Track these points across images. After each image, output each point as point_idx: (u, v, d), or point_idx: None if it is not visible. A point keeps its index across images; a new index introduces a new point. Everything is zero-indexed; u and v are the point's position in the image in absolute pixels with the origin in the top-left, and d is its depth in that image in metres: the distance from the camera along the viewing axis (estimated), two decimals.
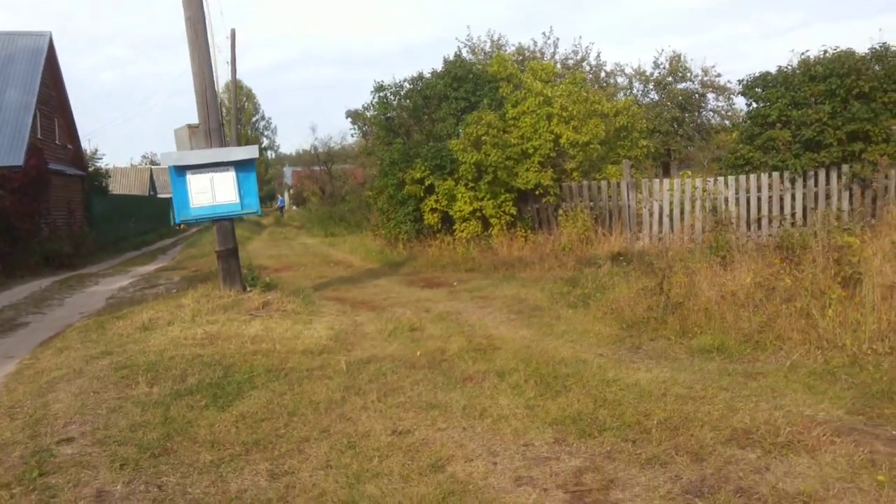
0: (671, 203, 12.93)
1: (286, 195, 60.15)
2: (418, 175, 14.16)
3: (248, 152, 9.34)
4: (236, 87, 35.58)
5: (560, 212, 13.48)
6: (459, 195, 13.71)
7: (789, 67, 12.51)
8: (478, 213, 13.78)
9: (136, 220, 36.87)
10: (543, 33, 35.31)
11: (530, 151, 13.64)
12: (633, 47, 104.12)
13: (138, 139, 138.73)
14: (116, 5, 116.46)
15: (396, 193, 14.68)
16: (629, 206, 13.26)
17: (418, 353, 6.55)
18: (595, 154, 13.95)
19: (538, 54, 31.92)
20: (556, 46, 32.17)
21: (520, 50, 31.08)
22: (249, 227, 32.96)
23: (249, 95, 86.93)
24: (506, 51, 31.90)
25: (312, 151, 39.87)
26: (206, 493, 3.78)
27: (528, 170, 13.49)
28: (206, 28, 9.50)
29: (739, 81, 12.77)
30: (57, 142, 25.87)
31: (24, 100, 22.02)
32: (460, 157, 13.23)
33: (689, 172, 14.25)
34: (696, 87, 33.72)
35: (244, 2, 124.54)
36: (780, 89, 12.39)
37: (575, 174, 14.00)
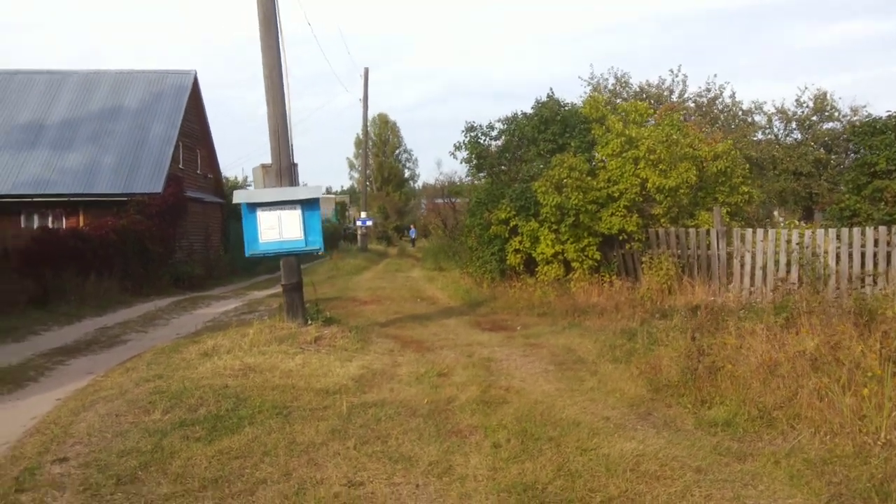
0: (765, 255, 12.08)
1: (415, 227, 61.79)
2: (503, 215, 14.16)
3: (312, 192, 9.81)
4: (366, 121, 37.24)
5: (644, 259, 12.97)
6: (542, 237, 13.56)
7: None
8: (560, 256, 13.55)
9: None
10: (671, 70, 34.22)
11: (616, 195, 13.28)
12: (774, 85, 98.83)
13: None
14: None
15: (483, 233, 14.76)
16: (718, 256, 12.52)
17: (426, 400, 6.54)
18: (685, 199, 13.34)
19: (665, 92, 31.05)
20: (684, 84, 31.07)
21: (643, 88, 30.37)
22: (371, 257, 34.14)
23: (393, 129, 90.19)
24: (630, 88, 31.35)
25: (436, 185, 40.77)
26: None
27: (612, 214, 13.13)
28: (281, 75, 10.11)
29: (852, 126, 11.78)
30: (198, 171, 28.14)
31: (168, 133, 24.21)
32: (542, 199, 13.11)
33: (796, 221, 13.25)
34: (844, 127, 31.32)
35: (399, 40, 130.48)
36: (889, 136, 11.32)
37: (663, 220, 13.44)
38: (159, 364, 8.56)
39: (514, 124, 15.52)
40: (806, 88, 37.22)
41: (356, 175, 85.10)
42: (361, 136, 36.92)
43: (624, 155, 13.38)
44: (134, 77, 26.57)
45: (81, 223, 21.36)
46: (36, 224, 21.60)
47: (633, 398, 6.58)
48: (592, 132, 14.50)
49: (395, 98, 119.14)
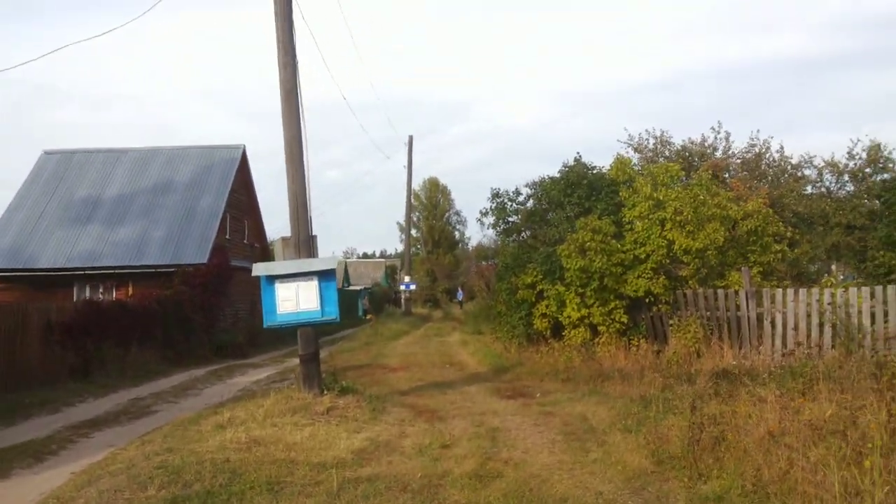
0: (796, 315, 11.69)
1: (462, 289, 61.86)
2: (530, 280, 14.13)
3: (328, 263, 10.00)
4: (410, 188, 37.92)
5: (671, 321, 12.70)
6: (568, 301, 13.44)
7: None
8: (586, 320, 13.38)
9: None
10: (712, 128, 33.95)
11: (643, 257, 13.14)
12: (831, 136, 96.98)
13: (345, 233, 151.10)
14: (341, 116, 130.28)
15: (510, 297, 14.72)
16: (748, 318, 12.16)
17: (419, 475, 6.47)
18: (713, 260, 13.09)
19: (709, 150, 30.77)
20: (727, 140, 30.73)
21: (685, 147, 30.18)
22: (414, 321, 34.24)
23: (444, 192, 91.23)
24: (672, 147, 31.16)
25: (479, 247, 40.97)
26: None
27: (638, 277, 12.96)
28: (301, 149, 10.48)
29: (883, 182, 11.48)
30: (245, 241, 28.96)
31: (215, 205, 25.10)
32: (566, 262, 13.05)
33: (833, 279, 12.81)
34: None
35: (454, 104, 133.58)
36: None
37: (691, 281, 13.20)
38: (174, 437, 8.69)
39: (540, 188, 15.61)
40: (858, 140, 36.40)
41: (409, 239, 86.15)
42: (408, 202, 37.36)
43: (650, 217, 13.28)
44: (186, 152, 27.79)
45: (130, 293, 22.12)
46: (87, 295, 22.46)
47: (633, 471, 6.38)
48: (620, 195, 14.47)
49: (448, 161, 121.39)
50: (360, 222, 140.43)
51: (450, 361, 16.12)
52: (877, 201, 30.40)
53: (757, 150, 31.31)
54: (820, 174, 32.13)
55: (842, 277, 21.00)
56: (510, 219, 15.88)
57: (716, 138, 30.81)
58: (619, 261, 13.00)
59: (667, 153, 30.23)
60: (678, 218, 12.89)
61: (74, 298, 21.74)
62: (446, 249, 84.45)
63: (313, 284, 9.99)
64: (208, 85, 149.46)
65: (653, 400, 8.98)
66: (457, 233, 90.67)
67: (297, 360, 20.68)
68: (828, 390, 7.03)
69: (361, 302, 51.30)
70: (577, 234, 13.06)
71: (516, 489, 5.87)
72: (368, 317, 39.37)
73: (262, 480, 6.38)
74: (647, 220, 13.26)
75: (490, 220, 15.93)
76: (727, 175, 29.24)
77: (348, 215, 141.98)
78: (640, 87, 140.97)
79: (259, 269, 10.08)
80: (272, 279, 10.07)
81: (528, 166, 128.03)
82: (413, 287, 39.69)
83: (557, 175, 15.39)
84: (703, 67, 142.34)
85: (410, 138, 38.28)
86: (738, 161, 31.10)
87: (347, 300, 49.50)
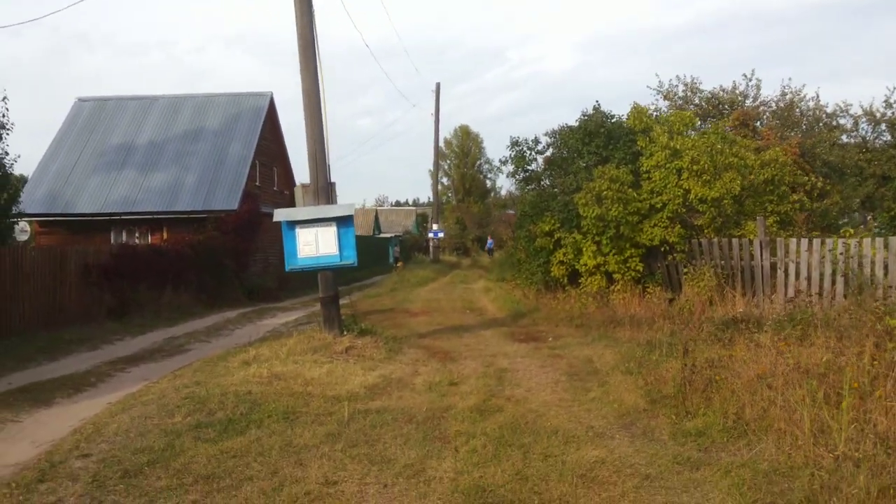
0: (809, 265, 11.79)
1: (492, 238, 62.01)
2: (547, 228, 14.37)
3: (345, 210, 10.34)
4: (437, 136, 37.89)
5: (685, 270, 12.88)
6: (585, 249, 13.68)
7: None
8: (602, 268, 13.62)
9: None
10: (744, 75, 33.19)
11: (659, 206, 13.26)
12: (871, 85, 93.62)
13: (376, 181, 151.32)
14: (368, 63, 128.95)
15: (529, 245, 14.99)
16: (762, 267, 12.29)
17: (425, 408, 6.91)
18: (729, 209, 13.16)
19: (739, 98, 30.20)
20: (758, 89, 30.11)
21: (715, 94, 29.64)
22: (441, 268, 34.68)
23: (475, 140, 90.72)
24: (702, 94, 30.61)
25: (507, 196, 40.99)
26: None
27: (654, 225, 13.11)
28: (319, 99, 10.75)
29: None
30: (275, 188, 29.46)
31: (244, 153, 25.54)
32: (583, 211, 13.23)
33: (851, 230, 12.82)
34: None
35: (488, 50, 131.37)
36: None
37: (707, 230, 13.30)
38: (203, 372, 9.27)
39: (559, 137, 15.70)
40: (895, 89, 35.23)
41: (438, 187, 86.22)
42: (435, 150, 37.42)
43: (667, 166, 13.34)
44: (214, 100, 28.15)
45: (165, 238, 22.85)
46: (124, 240, 23.27)
47: (627, 408, 6.73)
48: (638, 143, 14.51)
49: (482, 108, 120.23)
50: (393, 170, 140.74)
51: (470, 307, 16.55)
52: None
53: (789, 98, 30.67)
54: (856, 123, 31.38)
55: (877, 229, 20.77)
56: (529, 167, 16.04)
57: (747, 86, 30.18)
58: (636, 210, 13.15)
59: (696, 100, 29.75)
60: (695, 167, 12.94)
61: (111, 242, 22.53)
62: (477, 198, 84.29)
63: (332, 230, 10.36)
64: (239, 31, 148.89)
65: (658, 345, 9.27)
66: (488, 181, 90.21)
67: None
68: (825, 337, 7.26)
69: (392, 249, 51.94)
70: (595, 182, 13.20)
71: (512, 422, 6.28)
72: (399, 264, 39.94)
73: (279, 410, 6.88)
74: (663, 170, 13.33)
75: (510, 168, 16.09)
76: (758, 124, 28.76)
77: (381, 163, 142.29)
78: (677, 32, 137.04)
79: (280, 214, 10.47)
80: (293, 224, 10.46)
81: (563, 113, 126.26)
82: (441, 235, 40.05)
83: (576, 124, 15.43)
84: (743, 11, 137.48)
85: (438, 86, 38.19)
86: (771, 109, 30.51)
87: (377, 248, 50.10)
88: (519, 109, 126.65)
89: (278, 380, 8.24)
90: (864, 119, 30.98)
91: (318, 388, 7.84)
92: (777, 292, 12.12)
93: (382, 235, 58.43)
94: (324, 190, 10.74)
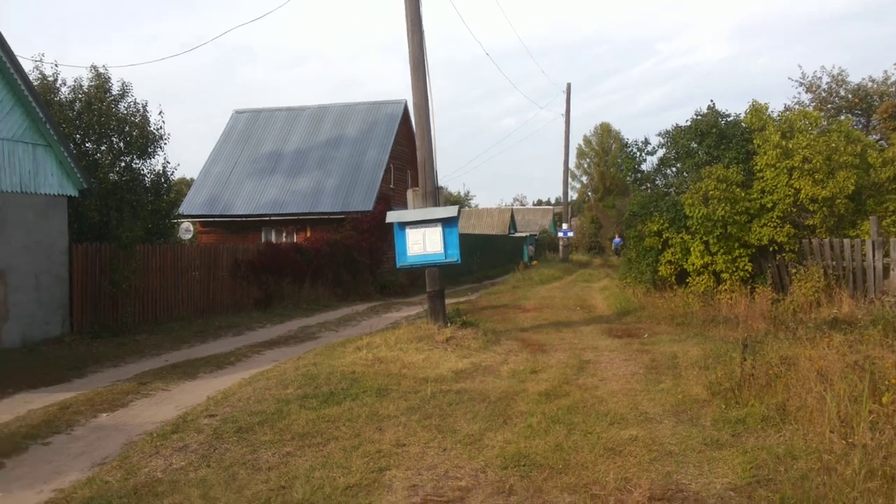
0: None
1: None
2: (656, 227, 14.59)
3: (449, 211, 11.28)
4: (567, 136, 38.09)
5: (793, 270, 12.71)
6: (692, 248, 13.81)
7: None
8: (710, 268, 13.69)
9: (486, 257, 40.51)
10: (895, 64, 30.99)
11: (769, 206, 13.16)
12: None
13: (516, 180, 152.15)
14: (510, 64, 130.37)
15: (638, 244, 15.26)
16: (874, 268, 11.93)
17: (501, 391, 7.70)
18: (843, 209, 12.80)
19: (890, 88, 28.25)
20: None
21: (861, 86, 27.91)
22: (569, 267, 34.96)
23: (616, 137, 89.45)
24: (850, 85, 28.87)
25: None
26: (234, 461, 5.68)
27: (763, 225, 13.04)
28: (428, 113, 11.76)
29: None
30: (408, 189, 31.01)
31: (380, 157, 27.30)
32: (689, 211, 13.39)
33: None
34: None
35: (634, 47, 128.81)
36: None
37: (819, 230, 13.02)
38: (322, 355, 10.55)
39: (670, 137, 15.82)
40: None
41: (578, 185, 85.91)
42: (566, 150, 37.66)
43: (778, 165, 13.21)
44: (354, 109, 30.21)
45: (308, 237, 24.97)
46: (273, 238, 25.67)
47: (688, 399, 7.17)
48: (755, 142, 14.40)
49: (627, 104, 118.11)
50: (532, 169, 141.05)
51: (582, 305, 17.02)
52: None
53: None
54: None
55: None
56: (640, 168, 16.26)
57: None
58: (744, 209, 13.13)
59: (841, 92, 28.22)
60: (806, 166, 12.73)
61: (262, 241, 24.94)
62: (618, 196, 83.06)
63: (437, 230, 11.35)
64: (386, 39, 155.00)
65: (747, 344, 9.47)
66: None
67: (450, 301, 22.59)
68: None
69: (527, 248, 52.60)
70: (702, 182, 13.32)
71: (572, 405, 6.93)
72: (533, 262, 40.55)
73: (374, 387, 7.93)
74: (774, 169, 13.20)
75: (620, 169, 16.36)
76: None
77: (521, 162, 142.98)
78: (834, 18, 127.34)
79: (392, 216, 11.59)
80: (403, 225, 11.55)
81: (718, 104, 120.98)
82: (570, 234, 40.24)
83: (688, 124, 15.48)
84: None
85: (568, 86, 38.39)
86: None
87: (512, 247, 50.93)
88: (671, 103, 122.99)
89: (380, 363, 9.32)
90: None
91: (412, 370, 8.84)
92: (888, 294, 11.76)
93: (518, 234, 59.15)
94: (431, 194, 11.75)
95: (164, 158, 16.87)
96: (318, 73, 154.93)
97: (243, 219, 25.83)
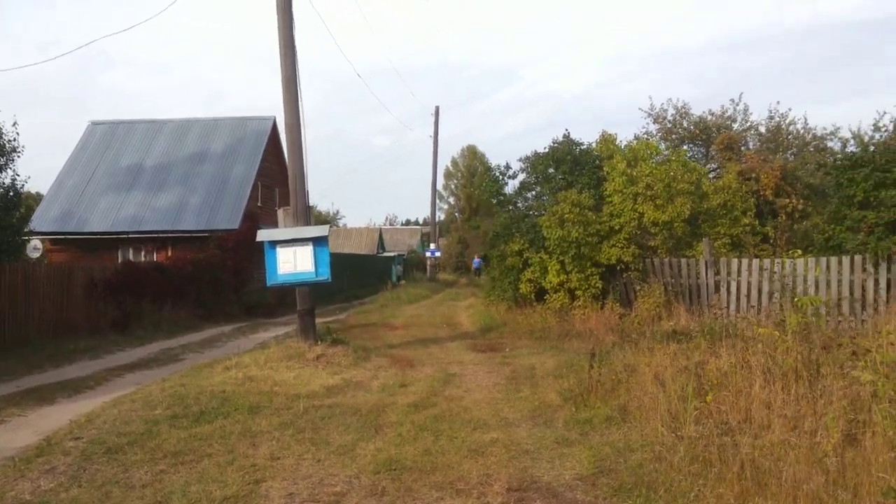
0: (749, 283, 12.85)
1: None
2: (517, 248, 15.50)
3: (320, 230, 11.50)
4: (436, 157, 39.11)
5: (638, 288, 13.96)
6: (550, 268, 14.78)
7: (876, 146, 12.05)
8: (565, 285, 14.71)
9: (356, 276, 40.24)
10: (732, 100, 34.36)
11: (617, 228, 14.37)
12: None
13: (387, 199, 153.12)
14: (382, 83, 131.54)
15: (501, 264, 16.12)
16: (707, 285, 13.36)
17: (371, 404, 8.02)
18: (680, 231, 14.25)
19: (727, 122, 31.26)
20: (745, 113, 31.19)
21: (702, 118, 30.73)
22: (436, 287, 35.86)
23: (482, 159, 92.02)
24: (692, 117, 31.66)
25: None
26: (106, 480, 5.65)
27: (612, 246, 14.22)
28: (300, 133, 11.98)
29: (834, 161, 12.50)
30: (276, 208, 30.60)
31: (247, 174, 26.89)
32: (547, 233, 14.37)
33: (799, 251, 13.87)
34: None
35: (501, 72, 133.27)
36: (866, 169, 11.96)
37: (661, 251, 14.38)
38: (189, 376, 10.41)
39: (530, 163, 16.89)
40: (885, 112, 36.19)
41: (445, 206, 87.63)
42: (434, 172, 38.58)
43: (625, 191, 14.48)
44: (220, 123, 29.59)
45: (169, 255, 24.13)
46: (131, 257, 24.56)
47: (542, 405, 7.82)
48: (604, 169, 15.65)
49: (494, 127, 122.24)
50: (403, 189, 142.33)
51: (448, 322, 17.66)
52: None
53: (776, 121, 31.71)
54: (844, 146, 32.33)
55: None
56: (503, 191, 17.22)
57: (734, 110, 31.26)
58: (596, 231, 14.26)
59: (685, 124, 30.88)
60: (648, 193, 14.06)
61: (119, 260, 23.81)
62: (483, 217, 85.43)
63: (308, 249, 11.50)
64: (255, 51, 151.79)
65: (595, 354, 10.35)
66: (494, 201, 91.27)
67: (318, 320, 22.53)
68: (729, 346, 8.33)
69: (395, 268, 53.11)
70: (558, 206, 14.33)
71: (439, 415, 7.39)
72: (401, 282, 41.03)
73: (245, 405, 8.02)
74: (621, 194, 14.46)
75: (486, 192, 17.25)
76: (743, 147, 29.83)
77: (391, 181, 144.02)
78: (693, 52, 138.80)
79: (262, 235, 11.64)
80: (273, 244, 11.63)
81: (574, 132, 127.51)
82: (438, 254, 41.24)
83: (546, 150, 16.62)
84: (754, 32, 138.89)
85: (437, 109, 39.54)
86: (759, 133, 31.55)
87: (380, 266, 51.10)
88: (535, 127, 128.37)
89: (251, 381, 9.38)
90: (852, 142, 31.95)
91: (283, 388, 8.98)
92: (719, 308, 13.16)
93: (387, 254, 59.62)
94: (302, 213, 11.93)
95: (14, 171, 15.88)
96: (184, 82, 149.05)
97: (99, 236, 24.58)
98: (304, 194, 12.04)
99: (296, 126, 11.99)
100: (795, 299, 7.79)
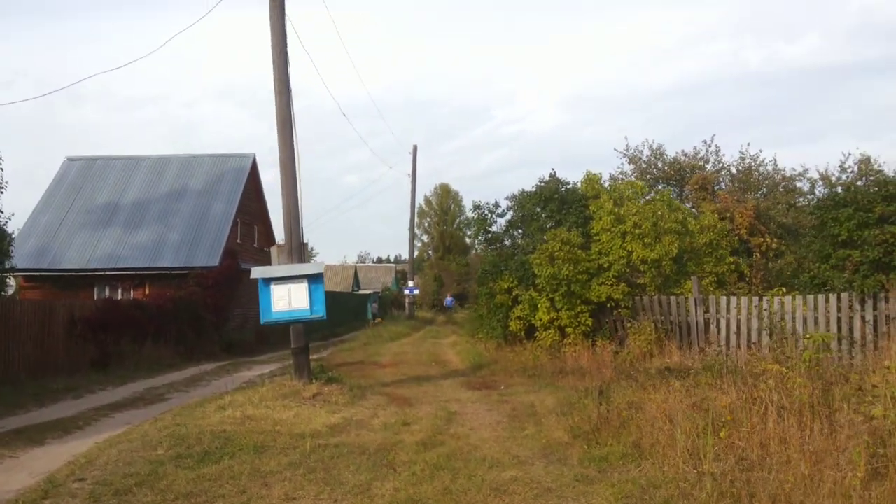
0: (738, 320, 13.06)
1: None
2: (506, 285, 15.58)
3: (316, 268, 11.48)
4: (414, 196, 39.30)
5: (628, 325, 14.09)
6: (540, 305, 14.87)
7: (858, 186, 12.43)
8: (555, 323, 14.79)
9: (332, 314, 39.64)
10: (704, 141, 35.18)
11: (606, 266, 14.54)
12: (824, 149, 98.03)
13: (360, 237, 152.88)
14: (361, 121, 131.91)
15: (489, 302, 16.17)
16: (697, 322, 13.54)
17: (378, 443, 7.93)
18: (668, 269, 14.48)
19: (701, 162, 31.95)
20: (717, 154, 31.91)
21: (677, 159, 31.38)
22: (416, 324, 35.73)
23: (455, 198, 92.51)
24: (667, 158, 32.31)
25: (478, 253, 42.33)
26: None
27: (602, 284, 14.37)
28: (294, 170, 11.99)
29: (817, 200, 12.84)
30: (255, 245, 30.52)
31: (227, 211, 26.71)
32: (537, 270, 14.49)
33: (784, 289, 14.14)
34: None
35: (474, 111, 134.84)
36: (849, 209, 12.32)
37: (649, 288, 14.58)
38: (182, 415, 10.19)
39: (517, 202, 17.09)
40: (850, 154, 37.50)
41: (418, 244, 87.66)
42: (412, 211, 38.74)
43: (612, 230, 14.70)
44: (199, 160, 29.45)
45: (147, 293, 23.75)
46: (107, 295, 24.11)
47: (551, 442, 7.80)
48: (590, 208, 15.88)
49: (466, 165, 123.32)
50: (376, 227, 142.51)
51: (436, 360, 17.58)
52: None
53: (748, 163, 32.50)
54: (812, 186, 33.20)
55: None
56: (490, 229, 17.38)
57: (707, 151, 31.96)
58: (585, 269, 14.41)
59: (659, 164, 31.50)
60: (637, 231, 14.30)
61: (95, 297, 23.36)
62: (457, 255, 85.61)
63: (303, 286, 11.46)
64: (230, 86, 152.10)
65: (593, 391, 10.37)
66: (468, 238, 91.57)
67: None
68: (729, 382, 8.42)
69: (371, 306, 52.80)
70: (548, 244, 14.49)
71: (451, 453, 7.32)
72: (377, 320, 40.80)
73: (250, 444, 7.86)
74: (609, 233, 14.67)
75: (472, 229, 17.38)
76: (717, 187, 30.50)
77: (365, 219, 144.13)
78: (659, 94, 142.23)
79: (256, 272, 11.57)
80: (268, 281, 11.56)
81: (546, 171, 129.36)
82: (416, 292, 41.21)
83: (533, 189, 16.84)
84: (721, 75, 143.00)
85: (415, 148, 39.86)
86: (731, 174, 32.29)
87: (356, 304, 50.79)
88: (507, 166, 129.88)
89: (250, 420, 9.21)
90: (819, 183, 32.82)
91: (285, 427, 8.83)
92: (711, 345, 13.32)
93: (362, 292, 59.33)
94: (297, 250, 11.89)
95: None
96: (155, 117, 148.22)
97: (75, 273, 24.12)
98: (298, 231, 12.02)
99: (290, 164, 12.01)
100: (807, 336, 7.88)
